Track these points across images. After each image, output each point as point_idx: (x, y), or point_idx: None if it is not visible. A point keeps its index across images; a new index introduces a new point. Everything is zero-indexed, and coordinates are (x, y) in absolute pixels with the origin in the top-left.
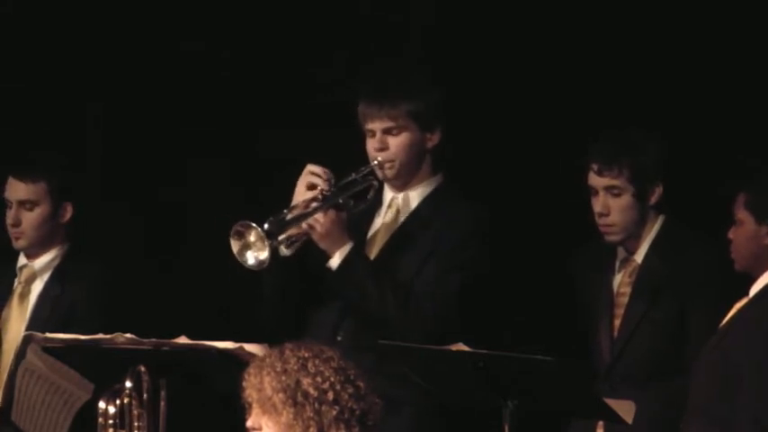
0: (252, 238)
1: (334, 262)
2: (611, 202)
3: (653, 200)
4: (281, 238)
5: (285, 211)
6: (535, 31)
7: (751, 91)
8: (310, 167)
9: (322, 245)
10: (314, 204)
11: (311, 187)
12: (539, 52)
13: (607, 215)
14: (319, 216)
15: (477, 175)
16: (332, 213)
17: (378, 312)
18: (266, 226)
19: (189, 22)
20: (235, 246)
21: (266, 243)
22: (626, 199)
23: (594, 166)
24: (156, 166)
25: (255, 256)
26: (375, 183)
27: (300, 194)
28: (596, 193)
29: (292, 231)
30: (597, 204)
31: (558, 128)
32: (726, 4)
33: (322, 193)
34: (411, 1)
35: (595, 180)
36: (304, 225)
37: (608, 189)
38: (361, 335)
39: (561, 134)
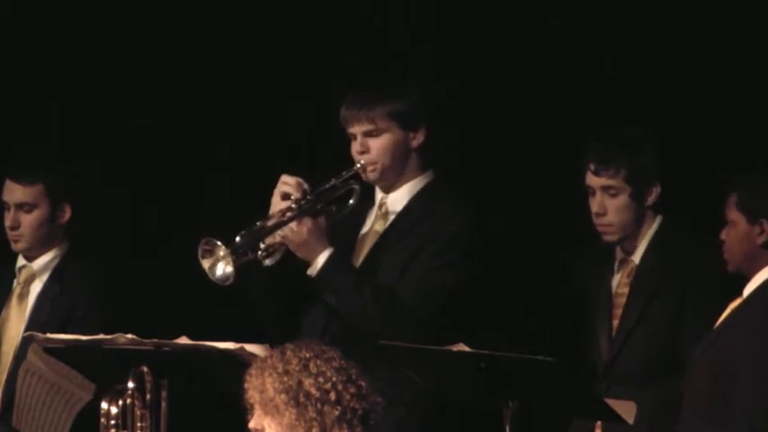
0: (221, 253)
1: (314, 269)
2: (608, 202)
3: (650, 200)
4: (260, 247)
5: (258, 222)
6: (534, 30)
7: (751, 91)
8: (284, 178)
9: (299, 254)
10: (289, 213)
11: (285, 197)
12: (537, 52)
13: (604, 215)
14: (293, 225)
15: (476, 175)
16: (307, 221)
17: (360, 317)
18: (238, 239)
19: (189, 24)
20: (206, 263)
21: (231, 258)
22: (623, 199)
23: (592, 166)
24: (156, 166)
25: (223, 269)
26: (356, 186)
27: (276, 204)
28: (593, 192)
29: (269, 242)
30: (594, 204)
31: (556, 127)
32: (727, 5)
33: (297, 202)
34: (411, 2)
35: (592, 180)
36: (279, 235)
37: (605, 189)
38: (348, 337)
39: (559, 133)
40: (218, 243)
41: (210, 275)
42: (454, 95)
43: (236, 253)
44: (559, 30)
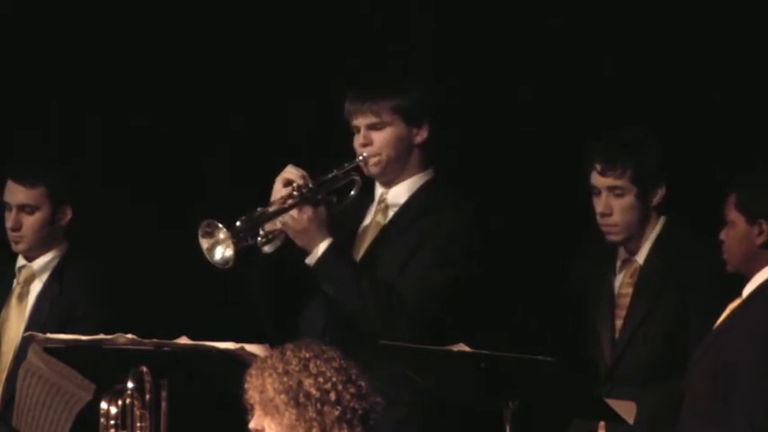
0: (221, 235)
1: (312, 258)
2: (613, 203)
3: (655, 201)
4: (260, 233)
5: (259, 208)
6: (534, 30)
7: (751, 91)
8: (288, 167)
9: (298, 242)
10: (290, 201)
11: (287, 185)
12: (537, 52)
13: (609, 215)
14: (294, 213)
15: (476, 175)
16: (308, 210)
17: (358, 309)
18: (238, 223)
19: (189, 24)
20: (205, 243)
21: (231, 241)
22: (628, 199)
23: (598, 167)
24: (156, 166)
25: (222, 252)
26: (357, 179)
27: (277, 192)
28: (599, 193)
29: (269, 228)
30: (599, 204)
31: (556, 127)
32: (727, 5)
33: (298, 190)
34: (411, 2)
35: (598, 180)
36: (279, 222)
37: (611, 189)
38: (348, 337)
39: (559, 133)
40: (220, 225)
41: (208, 257)
42: (454, 95)
43: (236, 237)
44: (559, 30)
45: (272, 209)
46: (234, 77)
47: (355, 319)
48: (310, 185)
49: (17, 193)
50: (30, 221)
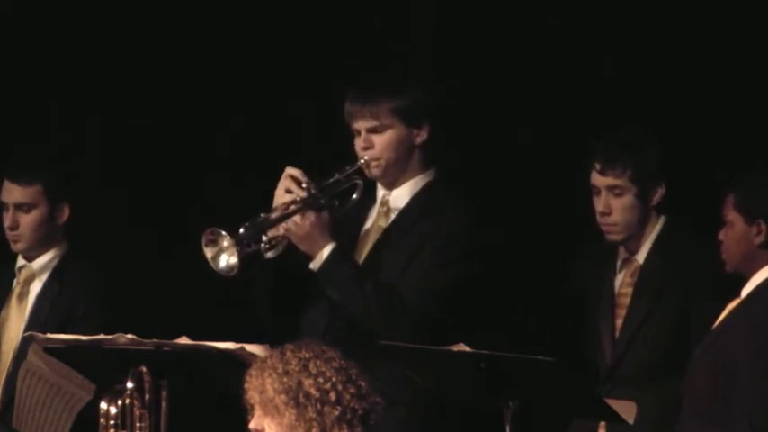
0: (225, 243)
1: (315, 264)
2: (613, 202)
3: (655, 200)
4: (263, 240)
5: (262, 214)
6: (534, 30)
7: (751, 91)
8: (288, 170)
9: (302, 247)
10: (293, 207)
11: (290, 190)
12: (537, 52)
13: (609, 215)
14: (297, 218)
15: (476, 175)
16: (311, 215)
17: (361, 312)
18: (242, 230)
19: (189, 24)
20: (209, 252)
21: (236, 249)
22: (628, 199)
23: (597, 166)
24: (156, 166)
25: (227, 260)
26: (359, 182)
27: (280, 198)
28: (598, 192)
29: (272, 234)
30: (599, 204)
31: (556, 127)
32: (727, 5)
33: (301, 196)
34: (411, 2)
35: (598, 179)
36: (282, 228)
37: (610, 189)
38: (349, 337)
39: (559, 133)
40: (223, 233)
41: (213, 266)
42: (454, 95)
43: (240, 244)
44: (559, 30)
45: (274, 215)
46: (234, 77)
47: (358, 321)
48: (313, 190)
49: (13, 192)
50: (27, 220)
